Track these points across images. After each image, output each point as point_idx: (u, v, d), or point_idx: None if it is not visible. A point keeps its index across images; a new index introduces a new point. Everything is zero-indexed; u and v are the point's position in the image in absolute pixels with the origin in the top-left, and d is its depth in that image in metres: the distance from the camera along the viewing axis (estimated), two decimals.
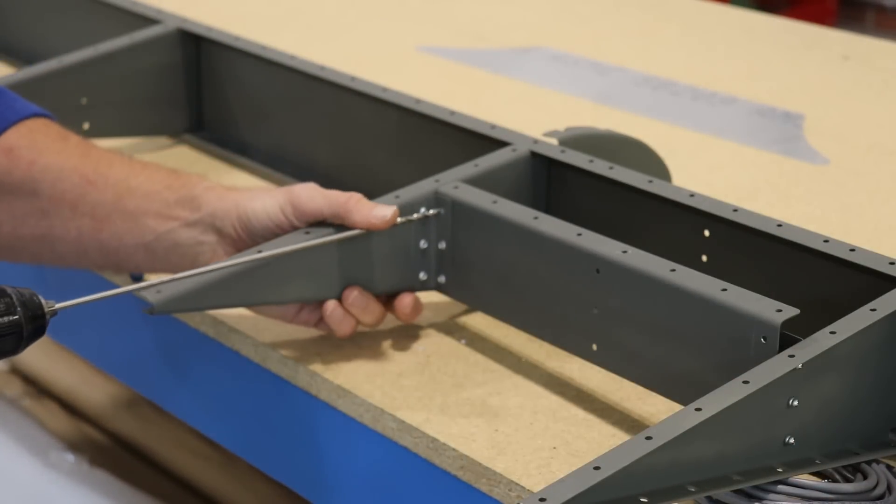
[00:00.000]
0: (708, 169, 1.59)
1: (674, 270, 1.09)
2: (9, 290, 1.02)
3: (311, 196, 1.20)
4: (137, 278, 1.35)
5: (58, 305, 1.04)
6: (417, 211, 1.23)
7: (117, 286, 1.35)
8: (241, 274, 1.17)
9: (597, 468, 0.92)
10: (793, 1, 4.35)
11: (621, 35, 2.07)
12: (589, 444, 1.10)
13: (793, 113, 1.74)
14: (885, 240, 1.39)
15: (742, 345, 1.03)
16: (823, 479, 1.02)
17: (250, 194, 1.22)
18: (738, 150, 1.65)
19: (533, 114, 1.71)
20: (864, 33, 2.10)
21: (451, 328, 1.27)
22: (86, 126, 1.59)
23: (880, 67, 1.92)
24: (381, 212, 1.20)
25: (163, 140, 1.66)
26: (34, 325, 1.02)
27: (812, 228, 1.13)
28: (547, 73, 1.89)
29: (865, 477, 1.01)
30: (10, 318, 1.01)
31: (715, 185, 1.52)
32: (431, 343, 1.25)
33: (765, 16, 2.20)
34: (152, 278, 1.36)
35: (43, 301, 1.03)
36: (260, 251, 1.18)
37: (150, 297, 1.15)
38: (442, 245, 1.23)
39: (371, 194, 1.27)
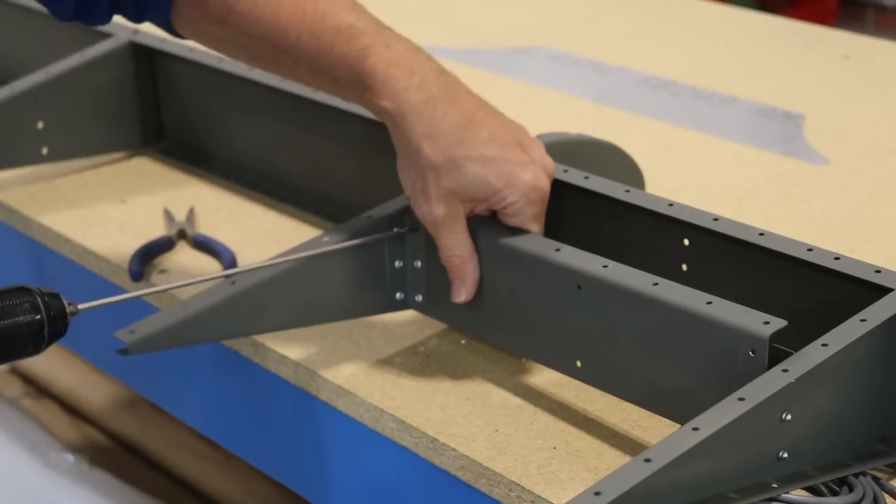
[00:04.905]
0: (708, 169, 1.59)
1: (656, 284, 1.06)
2: (33, 290, 1.01)
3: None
4: (137, 277, 1.35)
5: (80, 306, 1.04)
6: (391, 230, 1.21)
7: (126, 290, 1.35)
8: (215, 309, 1.15)
9: (597, 494, 0.90)
10: (793, 1, 4.35)
11: (621, 35, 2.07)
12: (589, 444, 1.10)
13: (793, 113, 1.74)
14: (885, 240, 1.39)
15: (730, 359, 1.01)
16: (812, 492, 1.01)
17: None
18: (738, 150, 1.65)
19: (533, 114, 1.70)
20: (864, 33, 2.10)
21: (451, 328, 1.27)
22: (45, 151, 1.55)
23: (880, 67, 1.92)
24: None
25: (123, 152, 1.64)
26: (56, 325, 1.02)
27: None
28: (547, 73, 1.89)
29: (852, 489, 1.01)
30: (35, 316, 1.01)
31: (715, 185, 1.52)
32: (431, 343, 1.25)
33: (765, 16, 2.19)
34: (152, 276, 1.36)
35: (65, 301, 1.03)
36: (233, 282, 1.16)
37: (124, 337, 1.13)
38: (417, 264, 1.21)
39: (340, 207, 1.23)
